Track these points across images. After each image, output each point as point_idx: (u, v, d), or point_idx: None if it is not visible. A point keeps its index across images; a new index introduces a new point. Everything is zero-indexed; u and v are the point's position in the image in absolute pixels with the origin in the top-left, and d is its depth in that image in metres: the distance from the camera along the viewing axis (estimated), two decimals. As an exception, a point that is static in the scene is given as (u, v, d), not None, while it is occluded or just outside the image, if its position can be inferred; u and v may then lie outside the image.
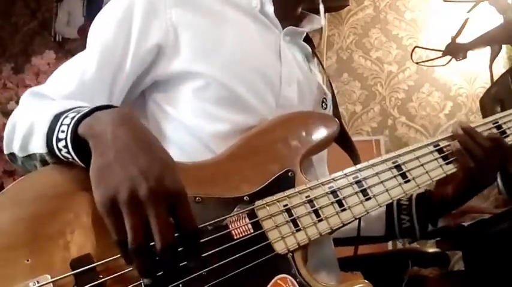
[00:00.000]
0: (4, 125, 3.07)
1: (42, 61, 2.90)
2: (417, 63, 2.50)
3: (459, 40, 1.89)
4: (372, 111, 2.86)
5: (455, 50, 1.90)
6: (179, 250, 0.62)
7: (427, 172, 0.87)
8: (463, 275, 1.82)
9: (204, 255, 0.69)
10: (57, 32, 3.24)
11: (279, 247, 0.75)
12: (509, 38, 1.77)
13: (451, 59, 1.96)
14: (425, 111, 2.79)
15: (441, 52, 1.98)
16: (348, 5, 2.90)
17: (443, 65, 2.11)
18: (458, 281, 1.84)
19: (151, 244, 0.60)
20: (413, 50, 2.29)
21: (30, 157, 0.78)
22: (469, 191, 0.97)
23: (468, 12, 1.90)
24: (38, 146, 0.75)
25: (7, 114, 2.60)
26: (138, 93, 0.93)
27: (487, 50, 1.89)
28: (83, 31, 3.12)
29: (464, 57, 1.91)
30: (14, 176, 2.58)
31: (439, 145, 0.91)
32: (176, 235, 0.62)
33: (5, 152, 0.85)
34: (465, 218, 1.54)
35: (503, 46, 1.92)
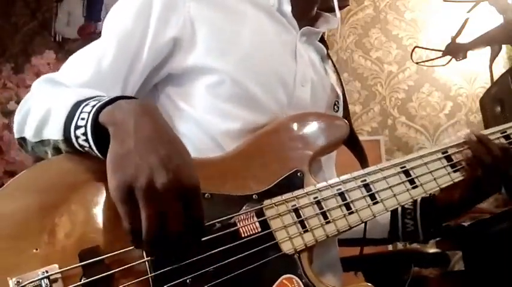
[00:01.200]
0: (4, 125, 3.06)
1: (42, 61, 2.91)
2: (417, 63, 2.50)
3: (459, 40, 1.89)
4: (372, 111, 2.86)
5: (455, 50, 1.90)
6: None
7: (435, 179, 0.87)
8: (463, 275, 1.82)
9: (211, 252, 0.70)
10: (57, 32, 3.23)
11: (286, 247, 0.75)
12: (509, 38, 1.77)
13: (451, 59, 1.95)
14: (425, 111, 2.79)
15: (441, 52, 1.98)
16: (348, 5, 2.89)
17: (443, 65, 2.11)
18: (458, 281, 1.84)
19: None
20: (413, 50, 2.29)
21: (42, 142, 0.78)
22: (474, 198, 0.97)
23: (468, 12, 1.90)
24: (53, 133, 0.74)
25: (7, 114, 2.60)
26: (152, 85, 0.93)
27: (487, 50, 1.89)
28: (83, 31, 3.12)
29: (464, 57, 1.91)
30: (14, 176, 2.58)
31: (447, 152, 0.91)
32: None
33: (16, 136, 0.85)
34: (465, 218, 1.55)
35: (503, 46, 1.92)
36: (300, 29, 0.99)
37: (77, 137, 0.70)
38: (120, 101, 0.69)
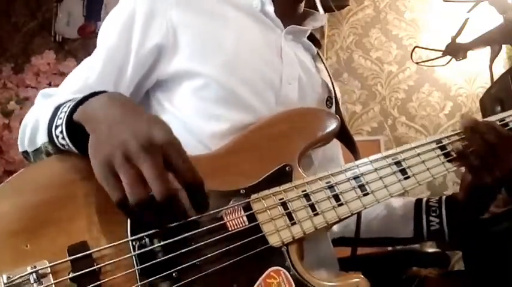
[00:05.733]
0: (4, 125, 3.05)
1: (42, 61, 2.90)
2: (417, 63, 2.50)
3: (459, 40, 1.89)
4: (372, 111, 2.86)
5: (455, 50, 1.90)
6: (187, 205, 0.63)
7: (428, 169, 0.87)
8: (463, 275, 1.82)
9: (198, 245, 0.71)
10: (57, 32, 3.23)
11: (273, 240, 0.75)
12: (509, 38, 1.77)
13: (451, 59, 1.95)
14: (425, 111, 2.79)
15: (441, 52, 1.97)
16: (348, 4, 2.90)
17: (443, 65, 2.11)
18: (458, 281, 1.84)
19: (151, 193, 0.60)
20: (413, 50, 2.28)
21: (38, 150, 0.81)
22: (481, 191, 0.94)
23: (468, 12, 1.90)
24: (42, 137, 0.78)
25: (7, 114, 2.60)
26: (143, 93, 0.94)
27: (487, 50, 1.89)
28: (83, 31, 3.12)
29: (464, 57, 1.90)
30: (14, 176, 2.58)
31: (441, 142, 0.90)
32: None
33: (20, 150, 0.89)
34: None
35: (503, 46, 1.91)
36: (285, 28, 0.99)
37: (57, 136, 0.74)
38: (91, 99, 0.72)
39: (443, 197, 1.03)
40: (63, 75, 2.81)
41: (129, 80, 0.90)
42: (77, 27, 3.18)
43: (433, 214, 1.02)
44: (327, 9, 1.07)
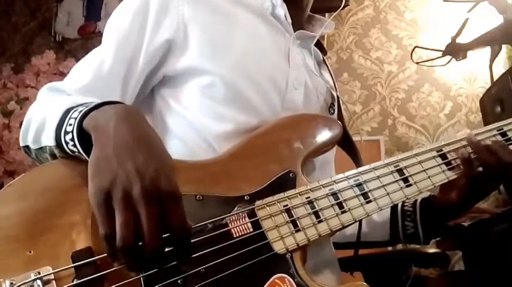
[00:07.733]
0: (4, 125, 3.05)
1: (42, 61, 2.90)
2: (417, 63, 2.50)
3: (459, 40, 1.89)
4: (372, 111, 2.86)
5: (455, 50, 1.90)
6: (168, 250, 0.62)
7: (429, 177, 0.87)
8: (463, 275, 1.82)
9: (203, 252, 0.70)
10: (57, 32, 3.24)
11: (278, 247, 0.75)
12: (509, 38, 1.77)
13: (451, 59, 1.95)
14: (425, 111, 2.79)
15: (441, 52, 1.98)
16: (348, 5, 2.90)
17: (443, 65, 2.11)
18: (458, 281, 1.85)
19: (140, 243, 0.60)
20: (413, 50, 2.29)
21: (42, 149, 0.80)
22: (472, 197, 0.96)
23: (468, 12, 1.90)
24: (48, 139, 0.77)
25: (7, 114, 2.60)
26: (150, 89, 0.94)
27: (487, 50, 1.89)
28: (83, 31, 3.12)
29: (464, 57, 1.91)
30: (14, 176, 2.58)
31: (442, 151, 0.90)
32: (166, 235, 0.61)
33: (21, 144, 0.87)
34: (465, 218, 1.55)
35: (503, 46, 1.92)
36: (294, 32, 0.99)
37: (66, 143, 0.72)
38: (105, 107, 0.70)
39: (418, 201, 1.03)
40: (63, 75, 2.81)
41: (139, 73, 0.89)
42: (77, 27, 3.18)
43: (408, 219, 1.04)
44: (321, 9, 1.06)
